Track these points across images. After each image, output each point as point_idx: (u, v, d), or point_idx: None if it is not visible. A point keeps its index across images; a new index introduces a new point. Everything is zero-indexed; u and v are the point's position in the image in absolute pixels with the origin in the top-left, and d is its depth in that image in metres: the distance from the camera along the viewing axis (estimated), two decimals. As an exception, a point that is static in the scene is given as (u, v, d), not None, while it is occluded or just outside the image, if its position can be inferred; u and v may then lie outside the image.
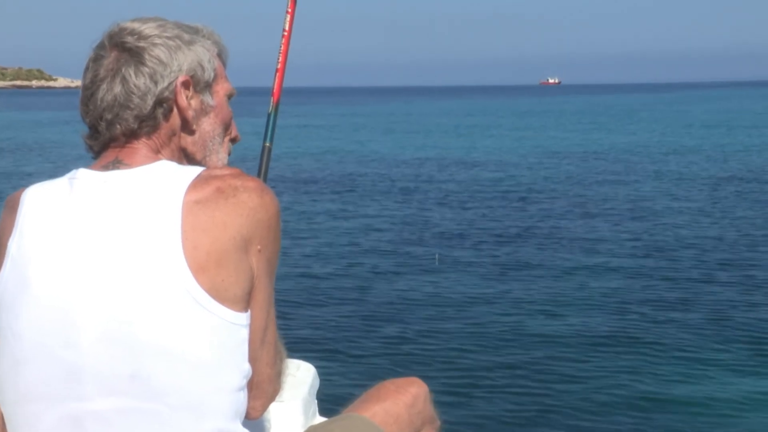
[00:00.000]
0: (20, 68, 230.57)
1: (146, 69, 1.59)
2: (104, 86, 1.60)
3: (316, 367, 2.68)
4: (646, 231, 11.16)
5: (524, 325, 6.85)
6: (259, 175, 2.34)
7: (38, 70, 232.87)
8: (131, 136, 1.60)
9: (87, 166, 1.60)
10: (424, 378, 2.17)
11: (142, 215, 1.48)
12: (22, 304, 1.51)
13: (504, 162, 21.51)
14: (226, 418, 1.54)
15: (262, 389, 1.64)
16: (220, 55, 1.75)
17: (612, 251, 9.87)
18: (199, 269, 1.46)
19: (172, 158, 1.63)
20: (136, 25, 1.63)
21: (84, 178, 1.55)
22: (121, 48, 1.61)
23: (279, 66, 2.48)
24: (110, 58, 1.61)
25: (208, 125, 1.69)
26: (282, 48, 2.50)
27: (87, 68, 1.64)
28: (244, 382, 1.57)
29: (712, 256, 9.55)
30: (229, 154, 1.76)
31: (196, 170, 1.54)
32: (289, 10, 2.53)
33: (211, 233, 1.48)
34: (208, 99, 1.68)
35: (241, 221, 1.50)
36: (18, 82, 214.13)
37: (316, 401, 2.54)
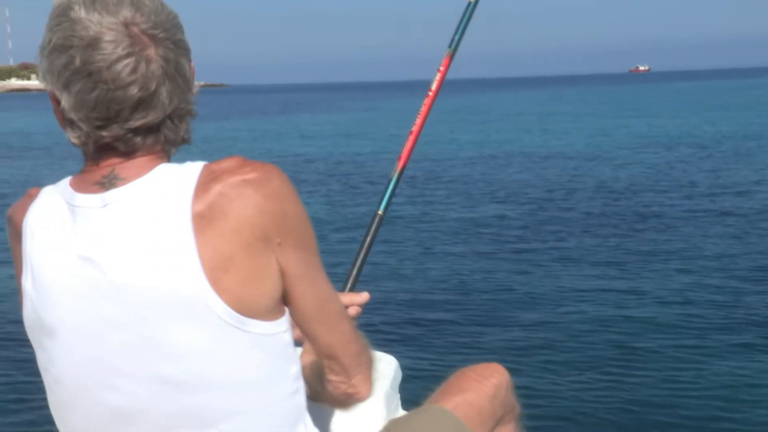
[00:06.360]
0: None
1: None
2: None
3: (398, 358, 2.63)
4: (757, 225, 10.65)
5: (608, 318, 6.66)
6: (363, 244, 2.18)
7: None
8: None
9: (78, 172, 1.49)
10: (505, 363, 2.11)
11: (152, 240, 1.36)
12: (53, 349, 1.46)
13: (595, 154, 21.08)
14: (283, 426, 1.50)
15: (354, 368, 1.58)
16: None
17: (714, 242, 9.51)
18: (223, 290, 1.36)
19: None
20: None
21: (83, 203, 1.42)
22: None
23: (414, 129, 2.24)
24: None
25: None
26: (423, 109, 2.25)
27: None
28: (297, 384, 1.52)
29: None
30: None
31: (195, 173, 1.40)
32: (442, 69, 2.30)
33: (226, 248, 1.36)
34: None
35: (252, 222, 1.37)
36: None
37: (398, 395, 2.49)
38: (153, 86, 1.37)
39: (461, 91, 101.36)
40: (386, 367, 2.51)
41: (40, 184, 1.52)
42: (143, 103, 1.37)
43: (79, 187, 1.44)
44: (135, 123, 1.38)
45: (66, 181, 1.47)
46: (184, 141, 1.48)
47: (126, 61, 1.35)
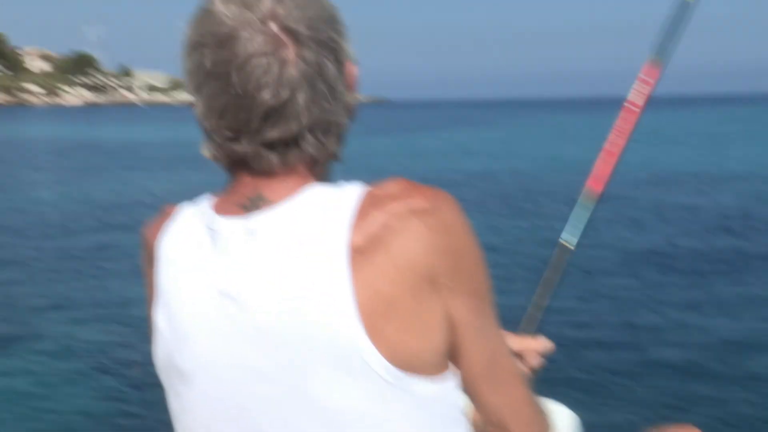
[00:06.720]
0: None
1: None
2: None
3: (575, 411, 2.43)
4: None
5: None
6: (546, 279, 1.91)
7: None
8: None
9: (220, 191, 1.30)
10: (688, 417, 1.86)
11: (301, 277, 1.17)
12: (187, 396, 1.29)
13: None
14: None
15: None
16: None
17: None
18: (382, 340, 1.15)
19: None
20: None
21: (224, 229, 1.24)
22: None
23: (608, 146, 1.94)
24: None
25: None
26: (619, 123, 1.93)
27: None
28: None
29: None
30: None
31: (354, 198, 1.19)
32: (648, 79, 1.95)
33: (387, 289, 1.15)
34: None
35: (418, 260, 1.16)
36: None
37: (581, 457, 2.28)
38: (287, 93, 1.17)
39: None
40: (563, 422, 2.29)
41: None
42: (275, 112, 1.18)
43: (221, 208, 1.27)
44: (267, 135, 1.19)
45: (206, 200, 1.31)
46: (332, 158, 1.28)
47: (257, 62, 1.16)
